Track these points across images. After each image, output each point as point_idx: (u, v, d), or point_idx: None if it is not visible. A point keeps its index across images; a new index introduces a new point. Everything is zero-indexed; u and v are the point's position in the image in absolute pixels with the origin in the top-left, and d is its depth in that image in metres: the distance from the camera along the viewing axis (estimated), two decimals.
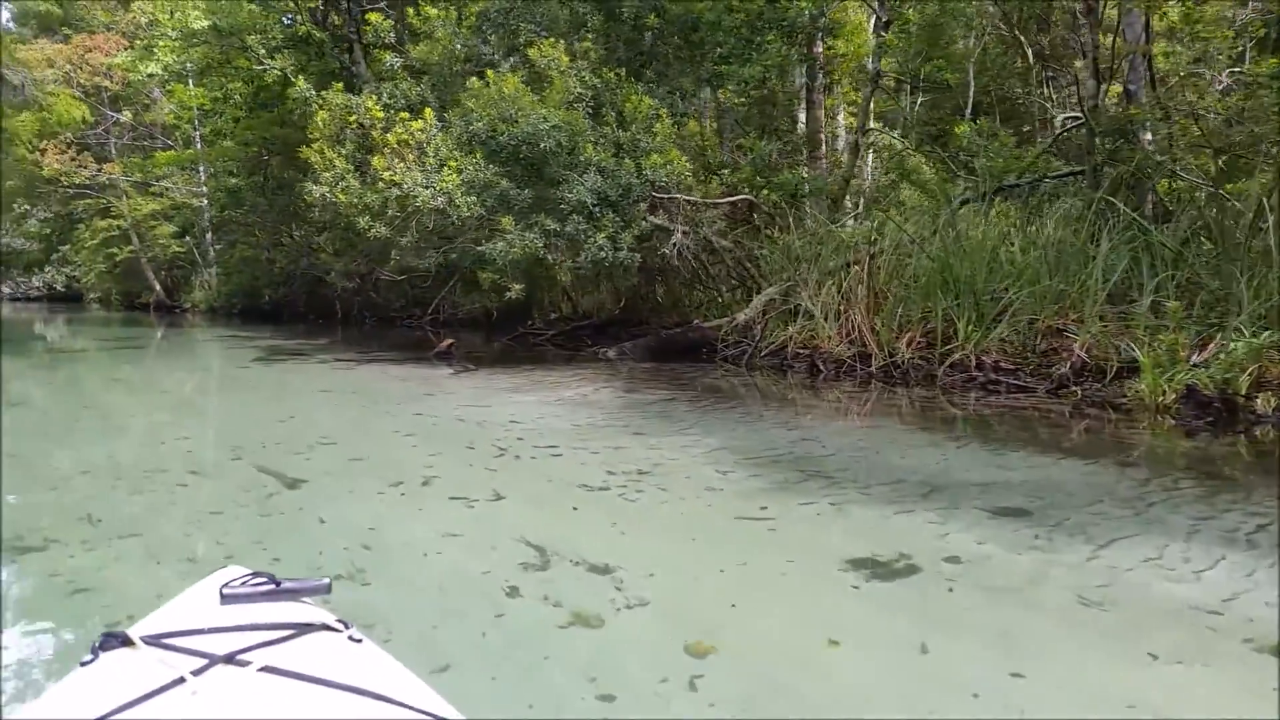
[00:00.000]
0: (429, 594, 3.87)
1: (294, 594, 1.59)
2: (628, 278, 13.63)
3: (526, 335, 18.16)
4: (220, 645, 1.34)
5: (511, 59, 14.41)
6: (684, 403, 8.96)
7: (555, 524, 4.82)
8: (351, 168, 13.70)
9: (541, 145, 11.95)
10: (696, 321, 14.17)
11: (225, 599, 1.55)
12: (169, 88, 31.10)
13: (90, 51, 30.86)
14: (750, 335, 12.80)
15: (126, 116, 35.41)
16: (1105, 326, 9.17)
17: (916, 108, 19.69)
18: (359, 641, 1.47)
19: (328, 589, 1.62)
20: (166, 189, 34.02)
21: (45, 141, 31.92)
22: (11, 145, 31.38)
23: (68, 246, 44.32)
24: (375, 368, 12.36)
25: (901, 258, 11.37)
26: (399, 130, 13.38)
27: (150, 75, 23.54)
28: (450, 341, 13.81)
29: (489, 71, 12.90)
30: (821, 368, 10.92)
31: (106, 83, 31.81)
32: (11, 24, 37.35)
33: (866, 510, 5.00)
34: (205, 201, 33.17)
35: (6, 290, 62.89)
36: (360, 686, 1.25)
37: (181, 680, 1.22)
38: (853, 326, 10.98)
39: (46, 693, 1.34)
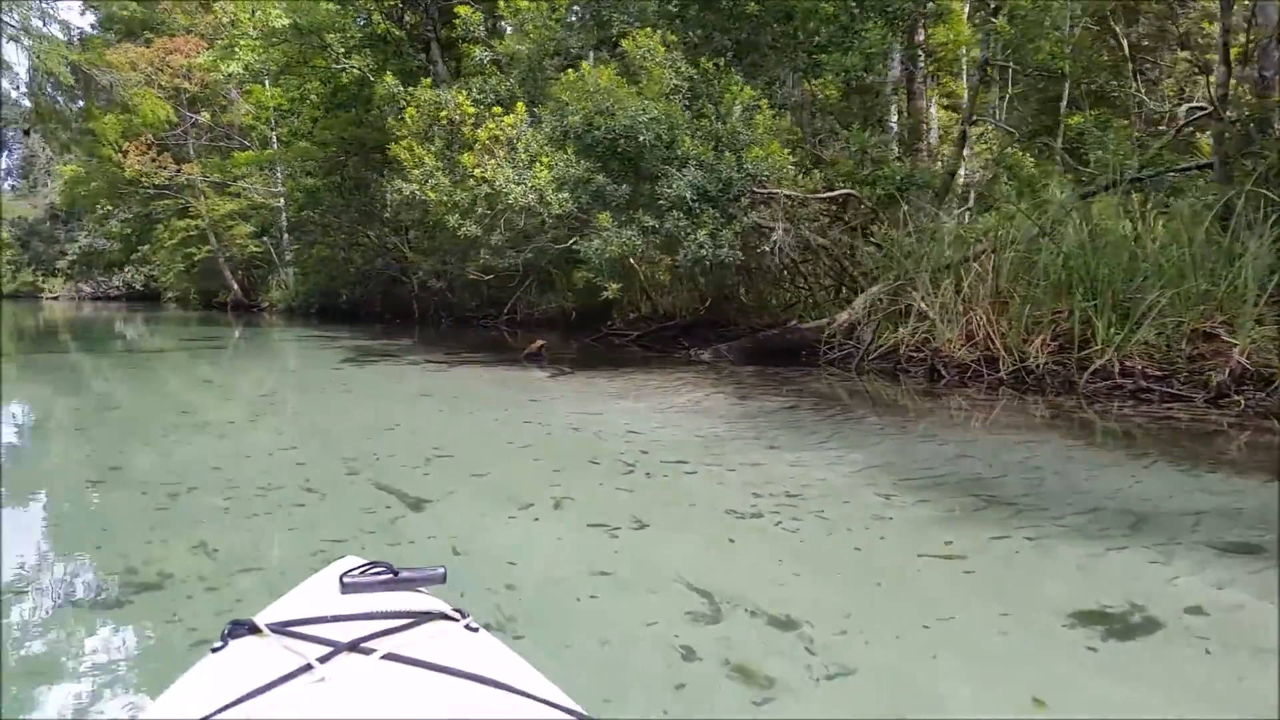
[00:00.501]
0: (592, 653, 3.29)
1: (411, 583, 1.60)
2: (727, 276, 13.03)
3: (610, 336, 17.67)
4: (343, 633, 1.37)
5: (600, 51, 13.91)
6: (808, 411, 8.33)
7: (714, 561, 4.23)
8: (440, 165, 13.31)
9: (640, 138, 11.40)
10: (794, 322, 13.53)
11: (345, 588, 1.56)
12: (247, 88, 31.32)
13: (171, 54, 31.17)
14: (855, 337, 12.12)
15: (205, 118, 35.76)
16: (1265, 330, 8.34)
17: (1011, 99, 18.81)
18: (475, 630, 1.49)
19: (443, 578, 1.61)
20: (244, 189, 34.27)
21: (127, 143, 32.31)
22: (98, 146, 31.79)
23: (147, 246, 45.09)
24: (468, 370, 11.94)
25: (1025, 254, 10.59)
26: (489, 125, 12.96)
27: (231, 75, 23.52)
28: (541, 343, 13.34)
29: (583, 64, 12.40)
30: (943, 372, 10.18)
31: (186, 84, 32.10)
32: (96, 28, 37.92)
33: (1072, 547, 4.31)
34: (282, 201, 33.34)
35: (88, 289, 64.57)
36: (481, 674, 1.27)
37: (309, 667, 1.25)
38: (975, 328, 10.22)
39: (181, 678, 1.34)
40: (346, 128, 25.41)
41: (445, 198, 12.97)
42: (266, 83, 29.50)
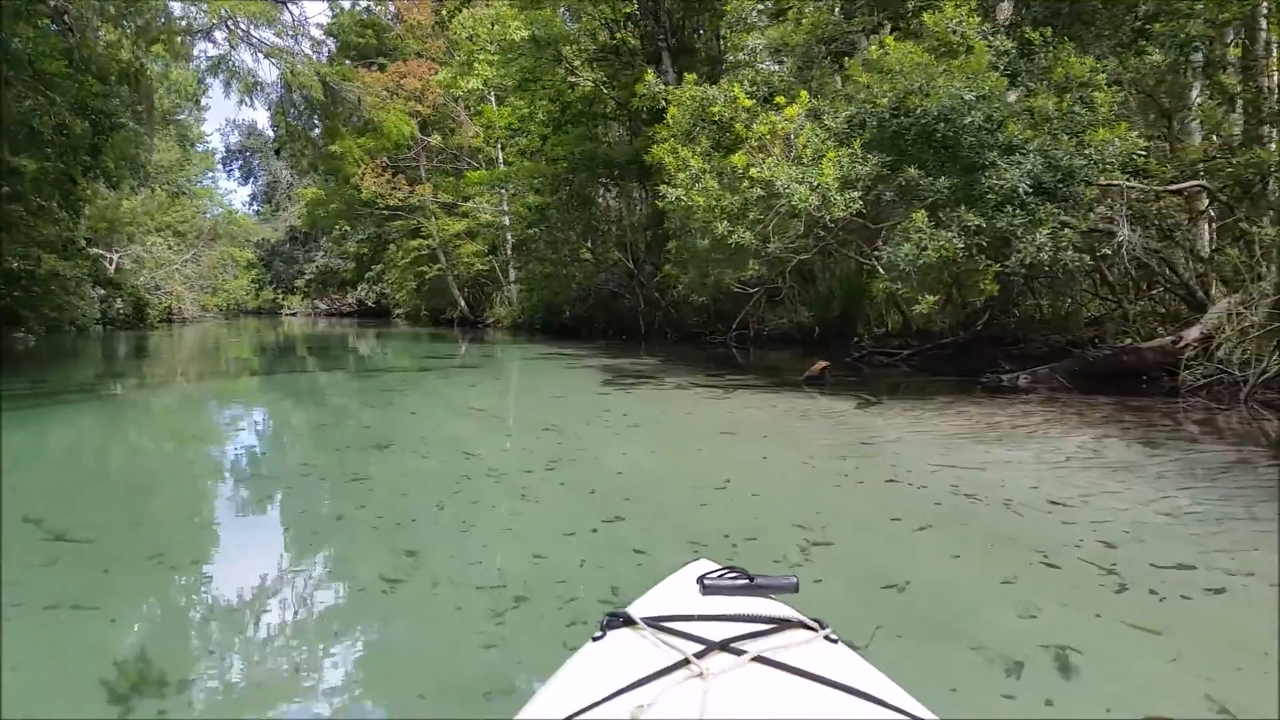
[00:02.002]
0: None
1: (765, 590, 1.61)
2: (1071, 285, 10.87)
3: (874, 355, 15.73)
4: (710, 632, 1.41)
5: (878, 34, 12.12)
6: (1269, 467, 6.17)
7: None
8: (707, 167, 11.84)
9: (965, 120, 9.50)
10: (1130, 342, 11.22)
11: (706, 589, 1.62)
12: (478, 109, 31.43)
13: (404, 78, 31.66)
14: (1220, 360, 9.72)
15: (436, 140, 36.33)
16: None
17: None
18: (835, 642, 1.46)
19: (795, 587, 1.62)
20: (472, 209, 34.50)
21: (364, 165, 33.11)
22: (342, 166, 32.74)
23: (379, 265, 46.65)
24: (749, 397, 10.32)
25: None
26: (765, 120, 11.41)
27: (470, 90, 23.24)
28: (824, 365, 11.56)
29: (886, 38, 10.62)
30: None
31: (419, 107, 32.54)
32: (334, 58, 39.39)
33: None
34: (508, 219, 33.29)
35: (323, 305, 68.23)
36: (852, 686, 1.26)
37: (686, 662, 1.30)
38: None
39: (568, 662, 1.45)
40: (576, 144, 24.74)
41: (714, 202, 11.47)
42: (493, 99, 29.49)
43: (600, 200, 28.61)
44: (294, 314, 67.80)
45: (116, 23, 20.92)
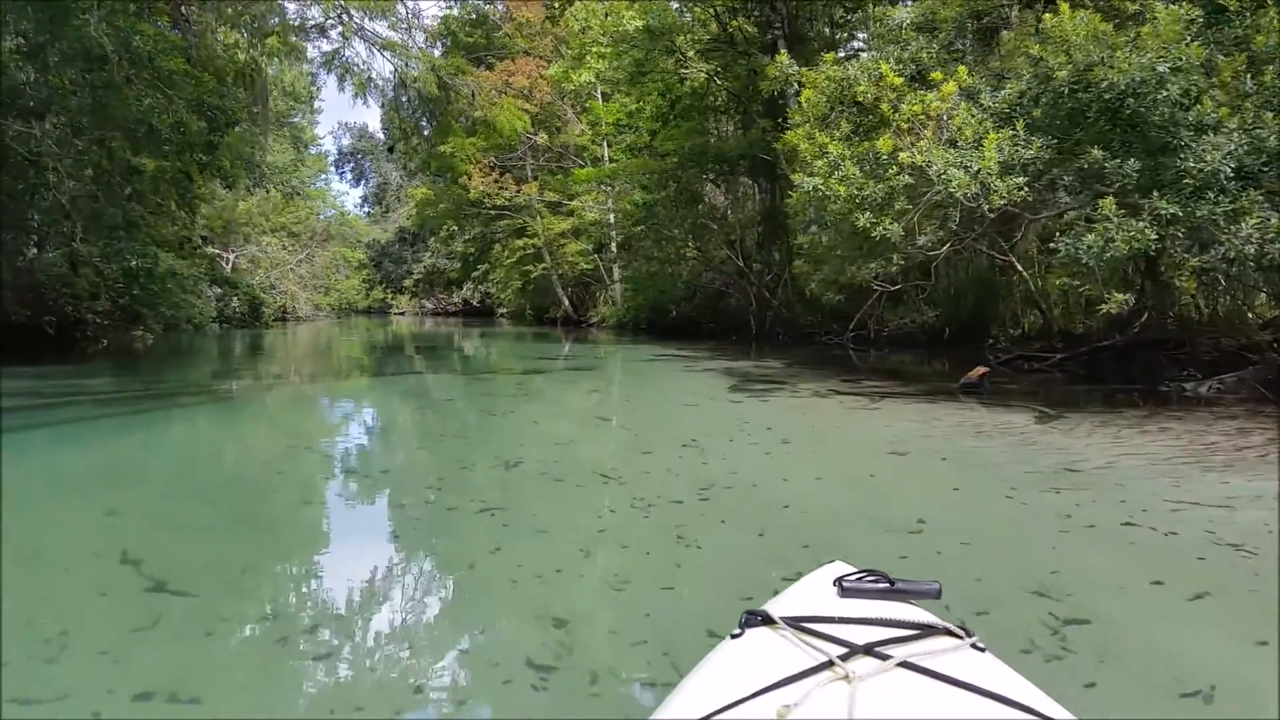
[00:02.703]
0: None
1: (905, 594, 1.57)
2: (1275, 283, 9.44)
3: (1019, 360, 14.30)
4: (851, 634, 1.37)
5: (1032, 8, 10.81)
6: None
7: None
8: (848, 153, 10.72)
9: (1159, 95, 8.19)
10: None
11: (845, 592, 1.58)
12: (586, 105, 30.80)
13: (513, 76, 31.19)
14: None
15: (543, 139, 35.85)
16: None
17: None
18: (982, 650, 1.39)
19: (938, 593, 1.57)
20: (577, 207, 33.90)
21: (472, 165, 32.80)
22: (456, 163, 32.38)
23: (485, 265, 46.55)
24: (899, 407, 9.14)
25: None
26: (914, 100, 10.24)
27: (582, 84, 22.53)
28: (983, 370, 10.32)
29: (1061, 6, 9.32)
30: None
31: (526, 104, 32.04)
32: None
33: None
34: (612, 217, 32.58)
35: (429, 305, 68.95)
36: (1004, 695, 1.21)
37: (830, 664, 1.26)
38: None
39: (708, 658, 1.44)
40: (685, 138, 23.81)
41: (856, 191, 10.34)
42: (600, 95, 28.80)
43: (706, 197, 27.66)
44: (402, 313, 68.68)
45: (233, 23, 20.87)
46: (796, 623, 1.43)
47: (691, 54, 20.25)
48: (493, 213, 37.07)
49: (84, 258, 16.53)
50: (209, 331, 28.80)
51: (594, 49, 21.51)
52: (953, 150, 9.89)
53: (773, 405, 9.36)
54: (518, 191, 34.74)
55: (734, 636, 1.47)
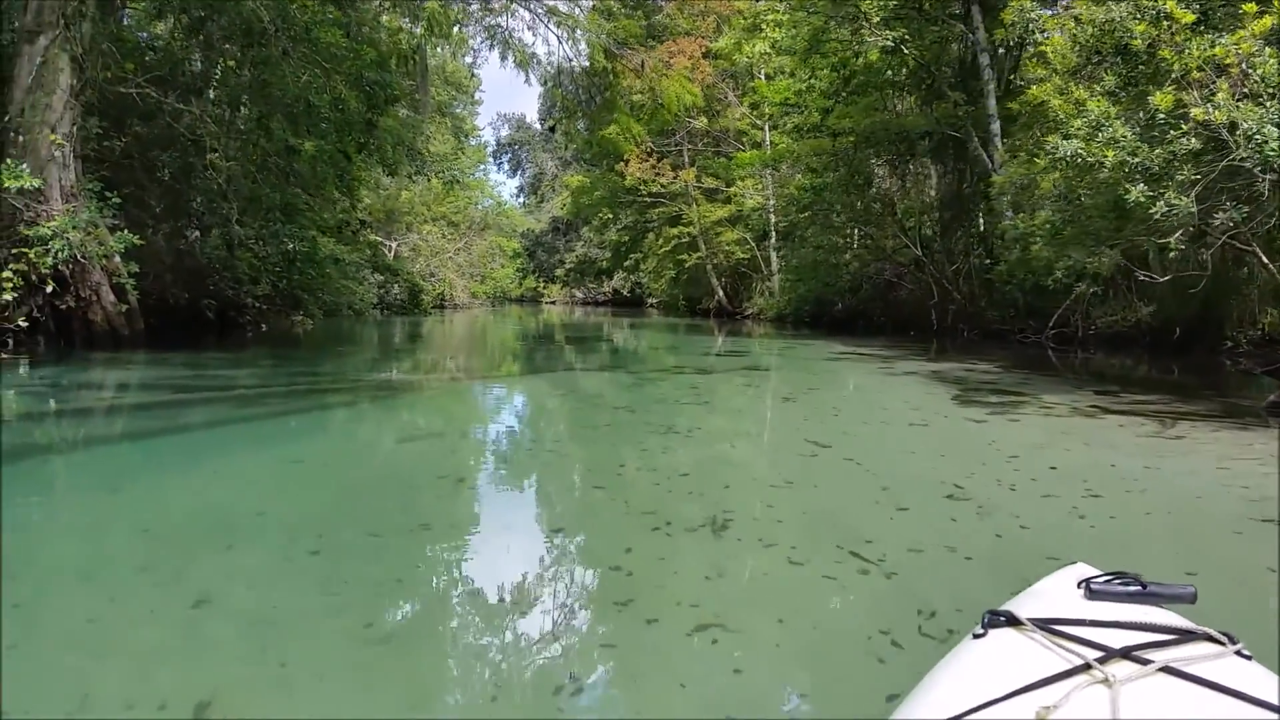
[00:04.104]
0: None
1: (1158, 598, 1.49)
2: None
3: None
4: (1105, 638, 1.29)
5: None
6: None
7: None
8: (1112, 110, 8.39)
9: None
10: None
11: (1093, 594, 1.50)
12: (750, 85, 28.78)
13: (675, 57, 29.42)
14: None
15: (701, 123, 34.02)
16: None
17: None
18: (1249, 658, 1.29)
19: (1193, 598, 1.48)
20: (736, 193, 31.95)
21: (629, 152, 31.27)
22: (614, 144, 30.70)
23: (638, 254, 45.15)
24: (1209, 435, 6.86)
25: None
26: (1201, 44, 7.85)
27: (756, 55, 20.54)
28: None
29: None
30: None
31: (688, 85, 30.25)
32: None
33: None
34: (771, 203, 30.49)
35: (579, 294, 68.47)
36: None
37: (1087, 666, 1.20)
38: None
39: (950, 659, 1.39)
40: (864, 115, 21.45)
41: (1128, 156, 8.02)
42: (762, 74, 26.68)
43: (879, 180, 25.22)
44: (552, 302, 68.52)
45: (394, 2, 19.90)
46: (1045, 624, 1.35)
47: (876, 20, 17.95)
48: (647, 200, 35.54)
49: (240, 240, 15.78)
50: (369, 317, 28.37)
51: (770, 16, 19.43)
52: (1259, 106, 7.48)
53: (1026, 426, 7.19)
54: (674, 178, 33.04)
55: (976, 636, 1.40)
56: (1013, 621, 1.40)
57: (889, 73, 21.53)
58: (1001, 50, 19.50)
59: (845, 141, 21.43)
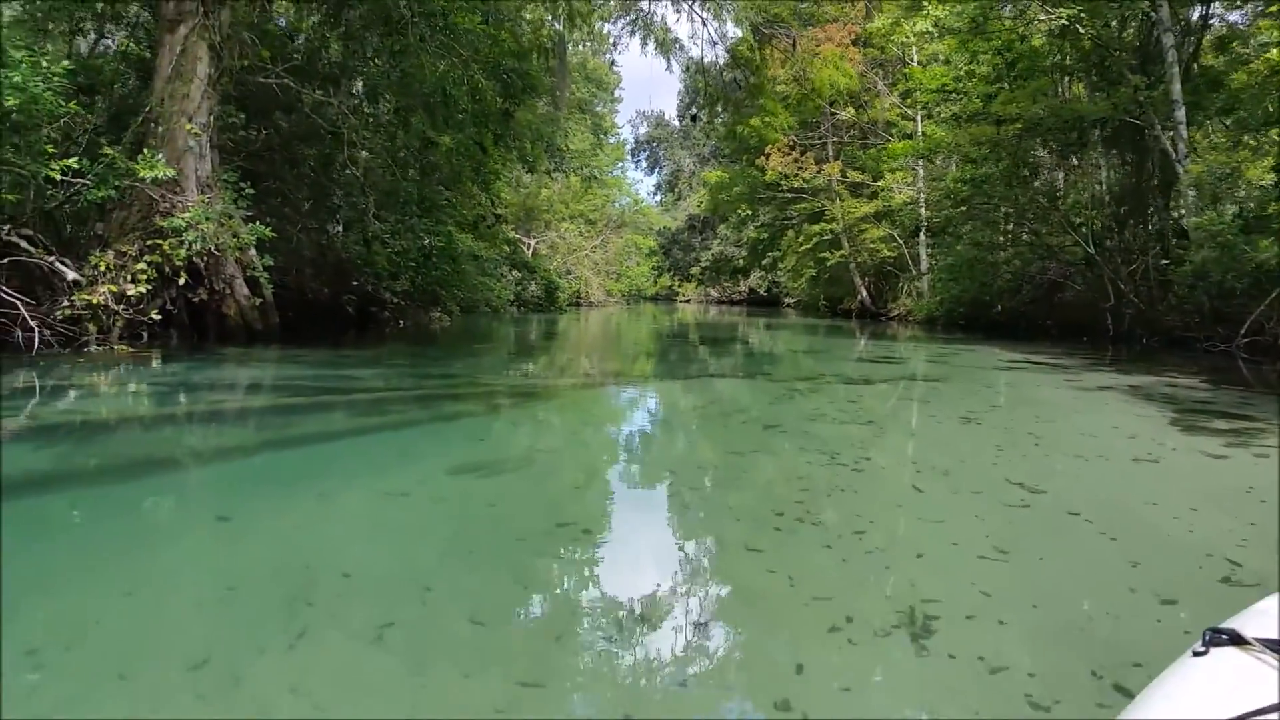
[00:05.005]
0: None
1: None
2: None
3: None
4: None
5: None
6: None
7: None
8: None
9: None
10: None
11: None
12: (898, 75, 26.92)
13: (822, 45, 27.75)
14: None
15: (848, 114, 32.20)
16: None
17: None
18: None
19: None
20: (883, 187, 30.03)
21: (774, 142, 29.75)
22: (759, 132, 29.06)
23: (776, 252, 43.54)
24: None
25: None
26: None
27: (918, 34, 18.82)
28: None
29: None
30: None
31: (836, 74, 28.51)
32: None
33: None
34: (921, 198, 28.45)
35: (714, 293, 67.19)
36: None
37: None
38: None
39: (1167, 676, 1.28)
40: (1034, 100, 19.37)
41: None
42: (914, 59, 24.75)
43: (1044, 171, 22.96)
44: (686, 301, 67.53)
45: None
46: (1275, 645, 1.26)
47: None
48: (788, 196, 33.94)
49: (377, 235, 15.32)
50: (507, 314, 27.97)
51: None
52: None
53: None
54: (818, 171, 31.37)
55: (1197, 654, 1.31)
56: (1237, 640, 1.31)
57: (1057, 56, 19.43)
58: (1181, 29, 17.31)
59: (1010, 129, 19.43)
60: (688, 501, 4.73)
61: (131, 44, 13.55)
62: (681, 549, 3.90)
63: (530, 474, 5.26)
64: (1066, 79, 21.23)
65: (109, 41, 14.48)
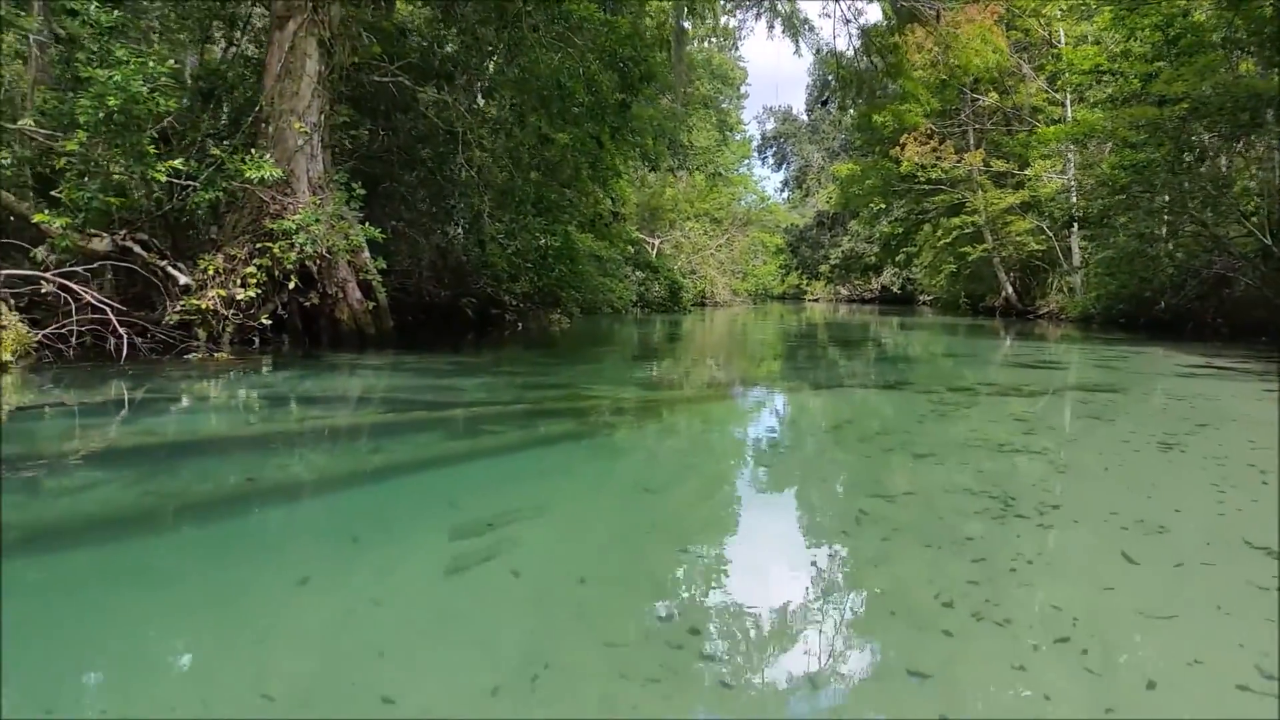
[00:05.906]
0: None
1: None
2: None
3: None
4: None
5: None
6: None
7: None
8: None
9: None
10: None
11: None
12: (1051, 52, 24.81)
13: (961, 27, 25.86)
14: None
15: (990, 99, 30.05)
16: None
17: None
18: None
19: None
20: (1032, 175, 27.81)
21: (914, 124, 27.90)
22: (906, 114, 27.17)
23: (909, 248, 41.39)
24: None
25: None
26: None
27: (1072, 7, 17.06)
28: None
29: None
30: None
31: (978, 55, 26.54)
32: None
33: None
34: (1073, 186, 26.16)
35: (844, 291, 64.98)
36: None
37: None
38: None
39: None
40: (1201, 78, 17.22)
41: None
42: (1062, 38, 22.64)
43: (1210, 157, 20.55)
44: (815, 300, 65.60)
45: None
46: None
47: None
48: (925, 188, 31.97)
49: (492, 236, 14.78)
50: (630, 315, 27.24)
51: None
52: None
53: None
54: (958, 161, 29.36)
55: None
56: None
57: (1220, 31, 17.24)
58: None
59: (1174, 111, 17.35)
60: (826, 585, 3.51)
61: (252, 47, 13.42)
62: (813, 685, 2.55)
63: (619, 527, 4.34)
64: (1236, 54, 18.91)
65: (237, 49, 14.46)
